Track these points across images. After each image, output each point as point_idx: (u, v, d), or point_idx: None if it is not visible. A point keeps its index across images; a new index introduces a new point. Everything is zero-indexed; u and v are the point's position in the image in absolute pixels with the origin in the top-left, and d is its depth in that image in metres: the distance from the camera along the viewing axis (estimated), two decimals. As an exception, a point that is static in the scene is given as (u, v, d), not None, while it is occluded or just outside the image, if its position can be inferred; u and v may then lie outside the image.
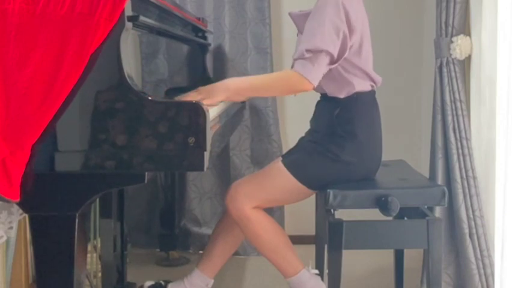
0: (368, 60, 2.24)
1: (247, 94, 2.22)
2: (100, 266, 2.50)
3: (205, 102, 2.01)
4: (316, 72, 2.08)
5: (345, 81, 2.19)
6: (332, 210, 2.21)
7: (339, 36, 2.09)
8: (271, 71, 3.24)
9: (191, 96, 2.05)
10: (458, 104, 2.52)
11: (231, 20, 3.27)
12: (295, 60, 2.12)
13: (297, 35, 2.30)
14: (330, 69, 2.14)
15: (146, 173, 1.59)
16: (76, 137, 1.59)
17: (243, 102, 2.98)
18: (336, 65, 2.13)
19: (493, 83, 2.40)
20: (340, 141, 2.19)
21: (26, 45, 1.55)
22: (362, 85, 2.21)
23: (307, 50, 2.08)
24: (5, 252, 2.15)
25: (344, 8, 2.09)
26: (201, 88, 2.10)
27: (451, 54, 2.53)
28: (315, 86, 2.10)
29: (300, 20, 2.23)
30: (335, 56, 2.10)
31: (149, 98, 1.57)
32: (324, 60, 2.09)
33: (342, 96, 2.21)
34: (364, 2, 2.26)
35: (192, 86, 2.22)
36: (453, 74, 2.53)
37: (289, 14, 2.31)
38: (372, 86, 2.25)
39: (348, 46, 2.12)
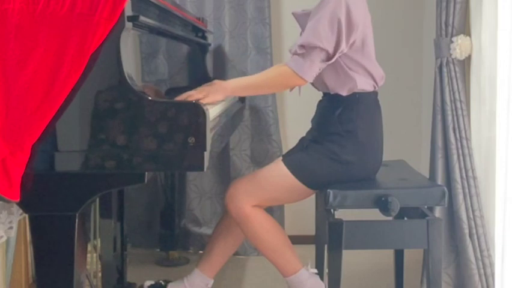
0: (371, 59, 2.24)
1: (244, 93, 2.35)
2: (100, 266, 2.50)
3: (204, 101, 2.04)
4: (309, 67, 2.10)
5: (347, 77, 2.19)
6: (332, 210, 2.21)
7: (334, 32, 2.09)
8: (271, 71, 3.24)
9: (190, 95, 2.06)
10: (458, 104, 2.52)
11: (231, 20, 3.27)
12: (292, 55, 2.14)
13: (300, 34, 2.30)
14: (333, 65, 2.15)
15: (146, 173, 1.60)
16: (76, 137, 1.59)
17: (243, 102, 2.98)
18: (332, 60, 2.13)
19: (493, 83, 2.40)
20: (341, 140, 2.20)
21: (26, 45, 1.55)
22: (364, 83, 2.21)
23: (301, 46, 2.11)
24: (5, 252, 2.15)
25: (347, 6, 2.10)
26: (200, 88, 2.12)
27: (451, 54, 2.53)
28: (309, 81, 2.13)
29: (303, 19, 2.25)
30: (330, 52, 2.11)
31: (149, 98, 1.58)
32: (318, 56, 2.10)
33: (344, 93, 2.21)
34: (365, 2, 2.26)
35: (191, 86, 2.22)
36: (453, 74, 2.53)
37: (293, 13, 2.34)
38: (374, 87, 2.25)
39: (343, 42, 2.11)
